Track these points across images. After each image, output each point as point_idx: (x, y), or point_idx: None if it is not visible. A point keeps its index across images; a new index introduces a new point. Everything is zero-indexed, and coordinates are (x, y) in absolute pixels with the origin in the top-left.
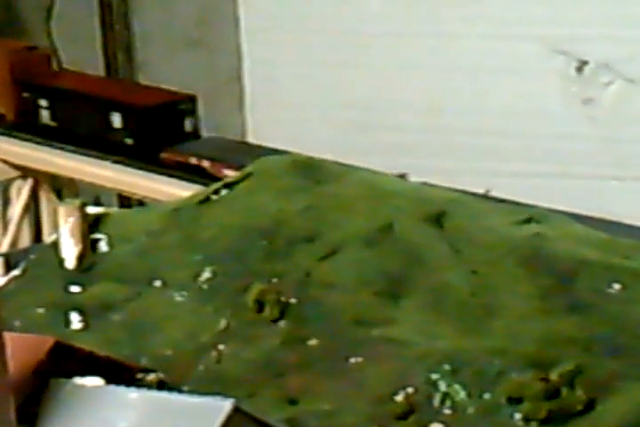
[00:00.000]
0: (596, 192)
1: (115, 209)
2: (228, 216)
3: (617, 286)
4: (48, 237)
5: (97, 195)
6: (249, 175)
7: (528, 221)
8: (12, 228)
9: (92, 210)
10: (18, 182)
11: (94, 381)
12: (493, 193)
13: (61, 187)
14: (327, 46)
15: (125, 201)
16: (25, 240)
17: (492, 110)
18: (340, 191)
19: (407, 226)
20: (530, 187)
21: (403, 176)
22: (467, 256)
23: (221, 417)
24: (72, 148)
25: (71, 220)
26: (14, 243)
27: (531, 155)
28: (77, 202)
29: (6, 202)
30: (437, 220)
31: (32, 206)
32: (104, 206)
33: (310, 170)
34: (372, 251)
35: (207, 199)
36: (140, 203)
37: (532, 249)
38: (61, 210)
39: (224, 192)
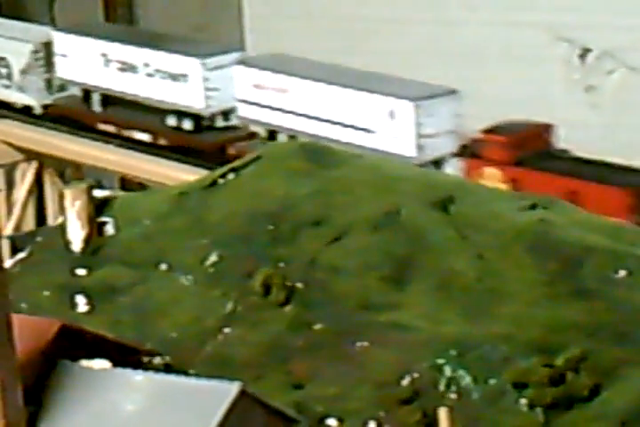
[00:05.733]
0: None
1: (121, 192)
2: (234, 200)
3: (623, 273)
4: (52, 220)
5: (99, 178)
6: (256, 159)
7: (533, 207)
8: (16, 211)
9: (98, 193)
10: (22, 165)
11: (101, 363)
12: None
13: (65, 170)
14: (331, 33)
15: (127, 184)
16: (29, 223)
17: (494, 97)
18: (347, 176)
19: (414, 211)
20: None
21: None
22: (473, 241)
23: (228, 400)
24: (76, 131)
25: (78, 203)
26: (18, 226)
27: None
28: (84, 185)
29: (11, 185)
30: (444, 205)
31: (36, 189)
32: (107, 189)
33: (318, 154)
34: (378, 236)
35: (214, 183)
36: (142, 186)
37: (538, 235)
38: (68, 193)
39: (231, 176)
